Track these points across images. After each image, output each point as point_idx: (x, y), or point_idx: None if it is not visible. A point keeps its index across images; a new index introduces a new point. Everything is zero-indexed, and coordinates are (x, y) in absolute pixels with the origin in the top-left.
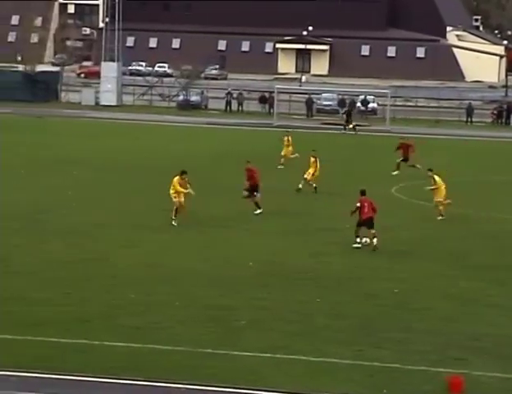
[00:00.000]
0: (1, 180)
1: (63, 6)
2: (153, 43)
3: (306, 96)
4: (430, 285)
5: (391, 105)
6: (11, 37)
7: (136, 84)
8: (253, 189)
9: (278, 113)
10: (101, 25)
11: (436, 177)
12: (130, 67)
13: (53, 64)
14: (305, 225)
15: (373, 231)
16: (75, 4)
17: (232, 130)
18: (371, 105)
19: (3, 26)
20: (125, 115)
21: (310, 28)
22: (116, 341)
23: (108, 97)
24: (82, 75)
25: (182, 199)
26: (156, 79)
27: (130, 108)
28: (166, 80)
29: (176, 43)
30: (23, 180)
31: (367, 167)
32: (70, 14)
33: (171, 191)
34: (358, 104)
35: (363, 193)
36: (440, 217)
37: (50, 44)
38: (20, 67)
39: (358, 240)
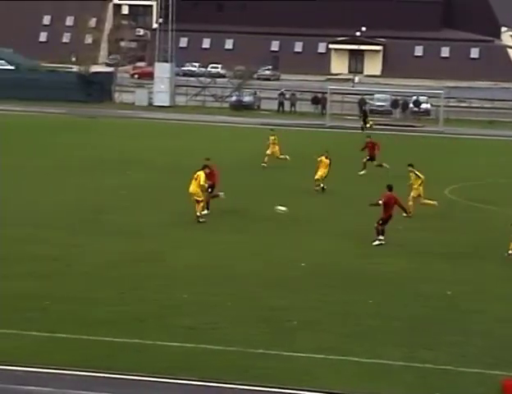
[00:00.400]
0: (57, 180)
1: (117, 7)
2: (206, 43)
3: (359, 97)
4: (484, 287)
5: (445, 106)
6: (66, 38)
7: (189, 84)
8: (211, 188)
9: (331, 114)
10: (155, 25)
11: (418, 173)
12: (183, 68)
13: (107, 65)
14: (356, 225)
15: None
16: (129, 5)
17: (284, 131)
18: (424, 106)
19: (58, 27)
20: (178, 115)
21: (363, 28)
22: (170, 340)
23: (161, 97)
24: (136, 76)
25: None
26: (209, 79)
27: (182, 109)
28: (219, 80)
29: (229, 44)
30: (78, 180)
31: (419, 168)
32: (124, 15)
33: (199, 187)
34: (411, 105)
35: (390, 188)
36: (404, 215)
37: (104, 45)
38: (75, 68)
39: (381, 237)
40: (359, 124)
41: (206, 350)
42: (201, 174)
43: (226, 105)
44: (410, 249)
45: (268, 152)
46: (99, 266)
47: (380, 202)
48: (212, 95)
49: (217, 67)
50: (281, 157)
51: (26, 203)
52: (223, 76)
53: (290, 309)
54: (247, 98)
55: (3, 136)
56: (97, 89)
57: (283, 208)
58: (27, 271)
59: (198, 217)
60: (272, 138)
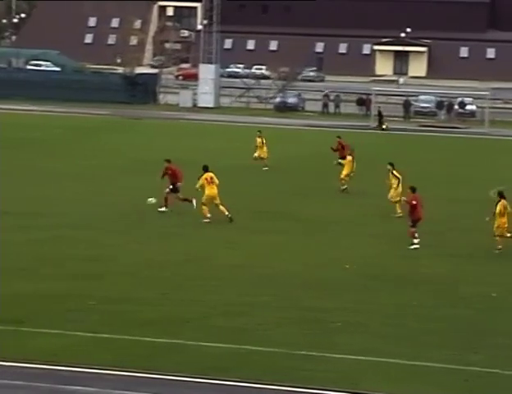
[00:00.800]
0: (101, 181)
1: (162, 9)
2: (250, 45)
3: (403, 98)
4: None
5: (490, 107)
6: (111, 39)
7: (233, 86)
8: (174, 187)
9: (375, 115)
10: (199, 27)
11: (396, 173)
12: (227, 69)
13: (152, 66)
14: (398, 227)
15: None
16: (174, 6)
17: (329, 133)
18: (469, 107)
19: (103, 29)
20: (222, 117)
21: (408, 29)
22: (213, 341)
23: (206, 99)
24: (180, 78)
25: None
26: (253, 81)
27: (227, 110)
28: (263, 82)
29: (273, 45)
30: (122, 181)
31: (463, 169)
32: (169, 16)
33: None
34: (456, 106)
35: (414, 190)
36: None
37: (149, 47)
38: (120, 69)
39: (415, 241)
40: (402, 125)
41: (249, 351)
42: (213, 176)
43: (270, 106)
44: (450, 251)
45: (256, 154)
46: (142, 266)
47: (414, 202)
48: (257, 96)
49: (262, 69)
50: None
51: (70, 204)
52: (267, 78)
53: (332, 310)
54: (291, 100)
55: (48, 137)
56: (141, 90)
57: (153, 200)
58: (71, 271)
59: (229, 217)
60: (260, 140)
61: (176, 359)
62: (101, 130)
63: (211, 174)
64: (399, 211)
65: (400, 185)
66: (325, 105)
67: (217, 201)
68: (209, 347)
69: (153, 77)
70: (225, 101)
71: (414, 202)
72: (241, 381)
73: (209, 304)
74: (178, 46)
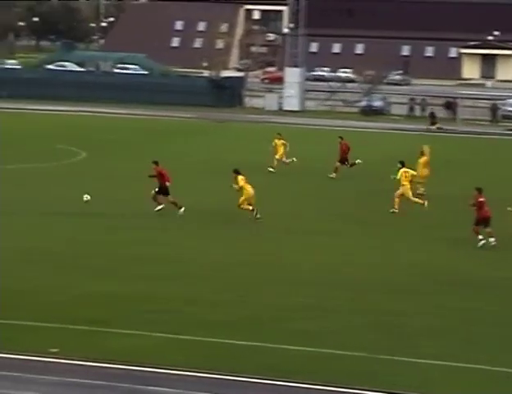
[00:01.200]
0: (185, 183)
1: (248, 13)
2: (336, 48)
3: (491, 102)
4: None
5: None
6: (198, 43)
7: (319, 89)
8: (164, 190)
9: (462, 119)
10: (285, 30)
11: (409, 171)
12: (313, 73)
13: (238, 69)
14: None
15: (490, 230)
16: (261, 10)
17: (415, 136)
18: None
19: (190, 33)
20: (308, 120)
21: (496, 32)
22: (290, 344)
23: (291, 102)
24: (266, 81)
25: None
26: (339, 84)
27: (312, 114)
28: (348, 85)
29: (359, 49)
30: (205, 183)
31: None
32: (256, 20)
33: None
34: None
35: (480, 191)
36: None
37: (235, 50)
38: (206, 73)
39: (480, 237)
40: (490, 129)
41: (327, 355)
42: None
43: (355, 110)
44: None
45: (277, 157)
46: (219, 268)
47: (481, 199)
48: (342, 100)
49: (347, 72)
50: (287, 161)
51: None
52: (353, 81)
53: (407, 314)
54: (377, 103)
55: (135, 140)
56: (227, 93)
57: (87, 197)
58: (149, 273)
59: (257, 217)
60: (278, 142)
61: (257, 361)
62: (187, 134)
63: (243, 176)
64: (396, 207)
65: (408, 181)
66: (411, 108)
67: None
68: (287, 350)
69: (239, 80)
70: (310, 104)
71: (482, 199)
72: (324, 384)
73: (285, 307)
74: (264, 49)
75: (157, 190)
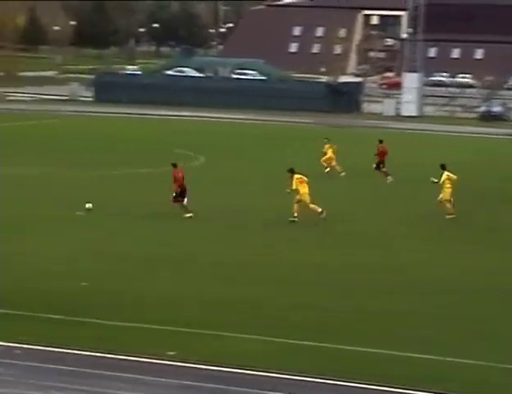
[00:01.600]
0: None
1: (367, 18)
2: (455, 53)
3: None
4: None
5: None
6: (316, 48)
7: (437, 94)
8: (182, 192)
9: None
10: (404, 35)
11: (451, 175)
12: (431, 78)
13: (356, 75)
14: None
15: None
16: (379, 15)
17: None
18: None
19: (308, 38)
20: (425, 126)
21: None
22: (413, 352)
23: (409, 108)
24: (384, 86)
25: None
26: (458, 89)
27: (430, 119)
28: (467, 90)
29: (479, 54)
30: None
31: None
32: (374, 25)
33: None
34: None
35: None
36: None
37: (353, 55)
38: (324, 78)
39: None
40: None
41: (447, 363)
42: (302, 176)
43: (474, 115)
44: None
45: (330, 161)
46: (342, 272)
47: None
48: (461, 106)
49: (467, 77)
50: (327, 164)
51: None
52: (472, 86)
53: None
54: (496, 109)
55: (252, 145)
56: (345, 99)
57: (89, 206)
58: (264, 277)
59: (294, 217)
60: (328, 146)
61: (381, 368)
62: (304, 139)
63: (299, 176)
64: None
65: (450, 185)
66: None
67: (309, 200)
68: (413, 358)
69: (357, 86)
70: (428, 110)
71: None
72: (445, 392)
73: (407, 312)
74: (382, 54)
75: (174, 195)
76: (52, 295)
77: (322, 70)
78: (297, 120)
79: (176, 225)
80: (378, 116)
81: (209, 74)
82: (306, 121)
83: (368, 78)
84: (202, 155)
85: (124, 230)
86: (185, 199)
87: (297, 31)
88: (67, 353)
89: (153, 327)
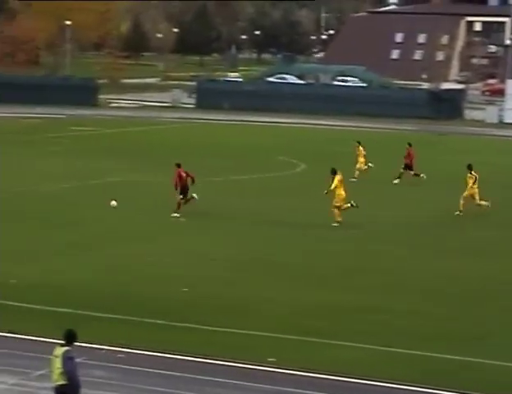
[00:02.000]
0: (401, 193)
1: (470, 24)
2: None
3: None
4: None
5: None
6: (418, 55)
7: None
8: (184, 192)
9: None
10: (507, 42)
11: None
12: None
13: (458, 82)
14: None
15: None
16: (482, 22)
17: None
18: None
19: (410, 45)
20: None
21: None
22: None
23: None
24: (486, 93)
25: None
26: None
27: None
28: None
29: None
30: (421, 195)
31: None
32: (477, 32)
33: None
34: None
35: None
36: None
37: (455, 62)
38: (425, 85)
39: None
40: None
41: None
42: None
43: None
44: None
45: (358, 166)
46: (433, 281)
47: None
48: None
49: None
50: (364, 167)
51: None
52: None
53: None
54: None
55: (353, 152)
56: (447, 106)
57: (114, 203)
58: (360, 283)
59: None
60: (359, 149)
61: (472, 377)
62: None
63: (341, 176)
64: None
65: (475, 184)
66: None
67: (343, 203)
68: (502, 366)
69: (459, 93)
70: None
71: None
72: None
73: (495, 324)
74: (485, 61)
75: (181, 196)
76: (155, 301)
77: (424, 76)
78: (399, 127)
79: (283, 230)
80: (481, 123)
81: (310, 81)
82: (408, 127)
83: (471, 85)
84: (303, 162)
85: (230, 234)
86: (181, 196)
87: (399, 38)
88: (169, 358)
89: (252, 333)
